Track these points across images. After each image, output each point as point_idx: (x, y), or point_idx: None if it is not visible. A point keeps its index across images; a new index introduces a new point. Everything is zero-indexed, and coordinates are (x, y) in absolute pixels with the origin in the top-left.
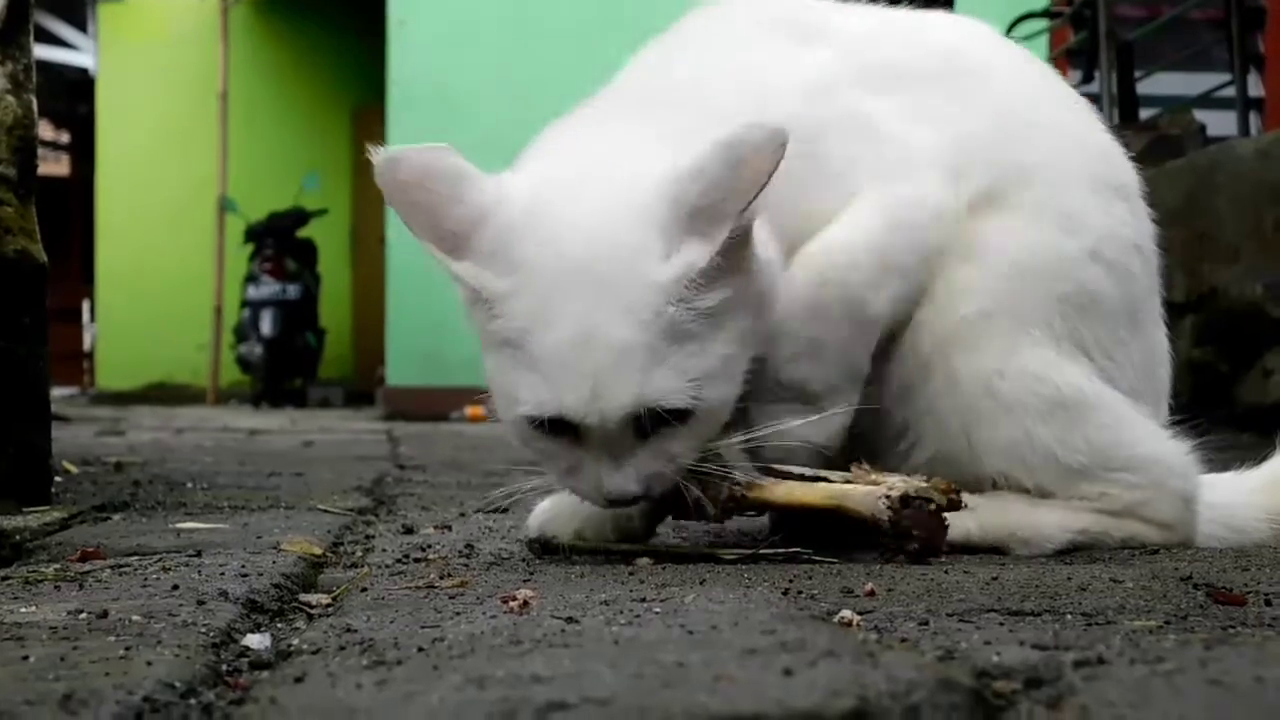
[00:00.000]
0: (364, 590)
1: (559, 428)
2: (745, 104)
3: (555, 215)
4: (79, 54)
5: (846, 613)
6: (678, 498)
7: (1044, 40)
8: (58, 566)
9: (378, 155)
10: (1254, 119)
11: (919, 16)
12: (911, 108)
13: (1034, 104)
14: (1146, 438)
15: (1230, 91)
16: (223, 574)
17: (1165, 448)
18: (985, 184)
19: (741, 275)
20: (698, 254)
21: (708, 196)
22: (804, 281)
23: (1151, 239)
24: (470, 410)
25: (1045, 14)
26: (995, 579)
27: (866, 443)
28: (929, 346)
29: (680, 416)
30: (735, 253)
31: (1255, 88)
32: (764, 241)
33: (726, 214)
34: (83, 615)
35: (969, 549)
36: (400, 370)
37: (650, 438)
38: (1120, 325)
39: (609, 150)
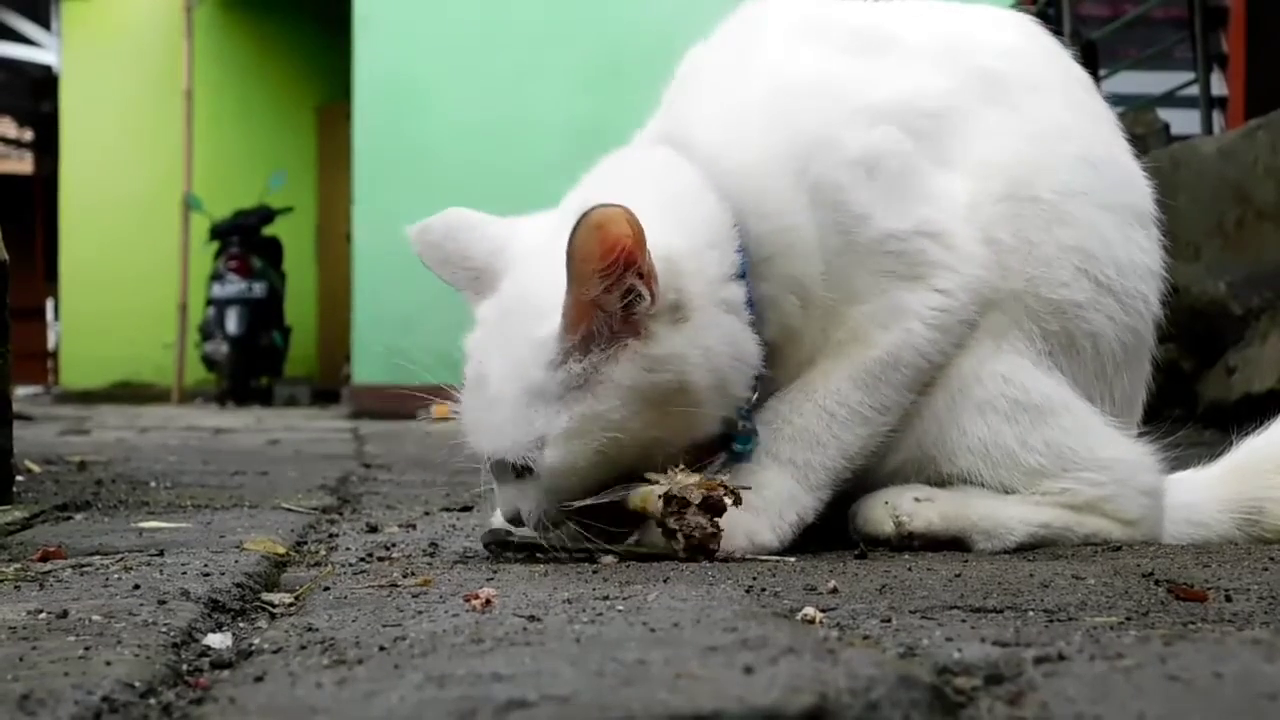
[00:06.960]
0: (327, 589)
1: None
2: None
3: (516, 267)
4: (43, 51)
5: (809, 610)
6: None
7: None
8: (18, 566)
9: (409, 229)
10: (1217, 117)
11: (962, 20)
12: (943, 141)
13: (1068, 129)
14: (1111, 442)
15: (1193, 90)
16: (185, 573)
17: (1129, 448)
18: (1010, 237)
19: (638, 338)
20: (557, 318)
21: (570, 263)
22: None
23: (1161, 263)
24: (437, 409)
25: None
26: (958, 576)
27: None
28: None
29: (529, 470)
30: (620, 317)
31: (1218, 86)
32: (714, 307)
33: (575, 279)
34: (42, 615)
35: (932, 540)
36: (366, 369)
37: (520, 479)
38: (1109, 363)
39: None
